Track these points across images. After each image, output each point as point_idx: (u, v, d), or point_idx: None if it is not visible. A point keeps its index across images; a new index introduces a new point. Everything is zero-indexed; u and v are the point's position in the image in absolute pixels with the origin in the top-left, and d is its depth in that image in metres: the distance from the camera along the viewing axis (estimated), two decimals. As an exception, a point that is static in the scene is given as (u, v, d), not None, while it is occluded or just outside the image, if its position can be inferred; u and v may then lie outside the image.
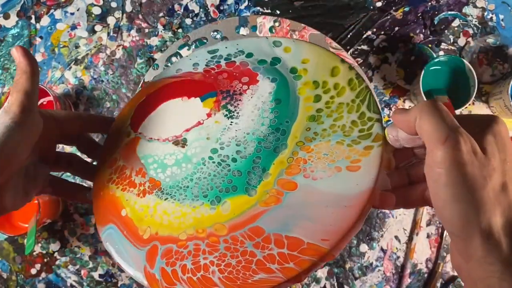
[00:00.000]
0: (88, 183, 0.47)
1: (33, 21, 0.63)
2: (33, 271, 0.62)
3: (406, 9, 0.63)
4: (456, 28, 0.63)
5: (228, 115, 0.43)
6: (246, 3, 0.63)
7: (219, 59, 0.47)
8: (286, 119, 0.41)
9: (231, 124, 0.43)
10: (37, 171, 0.38)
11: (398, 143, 0.32)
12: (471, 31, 0.63)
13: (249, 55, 0.46)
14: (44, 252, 0.62)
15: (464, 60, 0.57)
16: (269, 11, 0.63)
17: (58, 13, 0.63)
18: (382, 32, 0.63)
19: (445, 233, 0.61)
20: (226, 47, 0.47)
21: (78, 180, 0.63)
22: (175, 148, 0.44)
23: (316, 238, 0.35)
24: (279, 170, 0.39)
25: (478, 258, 0.23)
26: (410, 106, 0.63)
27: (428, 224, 0.62)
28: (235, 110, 0.43)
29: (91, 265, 0.62)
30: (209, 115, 0.44)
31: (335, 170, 0.37)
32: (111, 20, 0.63)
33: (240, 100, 0.44)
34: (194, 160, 0.43)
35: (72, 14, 0.63)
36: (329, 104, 0.40)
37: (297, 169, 0.39)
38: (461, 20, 0.63)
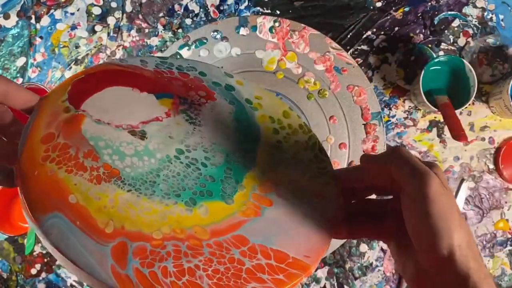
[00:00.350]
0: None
1: (33, 21, 0.63)
2: (33, 271, 0.62)
3: (406, 9, 0.63)
4: (456, 28, 0.63)
5: (190, 121, 0.41)
6: (246, 3, 0.63)
7: (170, 67, 0.43)
8: (251, 139, 0.41)
9: (194, 130, 0.41)
10: None
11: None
12: (471, 31, 0.63)
13: (202, 73, 0.43)
14: (44, 252, 0.62)
15: (464, 60, 0.57)
16: (269, 11, 0.63)
17: (58, 13, 0.63)
18: (382, 32, 0.63)
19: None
20: (176, 59, 0.45)
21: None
22: (132, 138, 0.40)
23: (300, 254, 0.36)
24: (251, 185, 0.39)
25: (449, 271, 0.28)
26: (410, 106, 0.63)
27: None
28: (196, 118, 0.41)
29: (91, 265, 0.62)
30: (168, 114, 0.41)
31: (304, 195, 0.39)
32: (111, 20, 0.63)
33: (200, 110, 0.41)
34: (158, 156, 0.39)
35: (72, 14, 0.63)
36: (287, 140, 0.41)
37: (269, 188, 0.39)
38: (461, 20, 0.63)
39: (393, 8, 0.63)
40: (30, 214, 0.34)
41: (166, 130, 0.40)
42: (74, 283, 0.62)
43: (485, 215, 0.62)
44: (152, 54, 0.63)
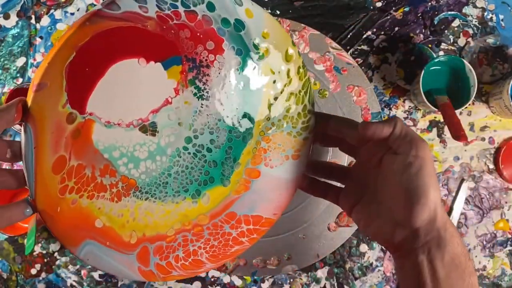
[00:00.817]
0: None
1: (33, 21, 0.63)
2: (33, 271, 0.62)
3: (406, 9, 0.63)
4: (456, 28, 0.63)
5: (198, 95, 0.41)
6: (246, 3, 0.63)
7: (175, 2, 0.38)
8: (252, 105, 0.42)
9: (201, 107, 0.41)
10: None
11: (325, 129, 0.42)
12: (471, 31, 0.63)
13: (211, 6, 0.39)
14: (44, 252, 0.62)
15: (464, 60, 0.57)
16: (269, 11, 0.63)
17: (58, 13, 0.63)
18: (382, 32, 0.63)
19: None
20: None
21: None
22: (144, 136, 0.39)
23: (270, 213, 0.44)
24: (246, 160, 0.43)
25: (424, 223, 0.33)
26: (410, 106, 0.63)
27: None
28: (204, 89, 0.41)
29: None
30: (177, 91, 0.40)
31: (284, 158, 0.44)
32: (111, 20, 0.63)
33: (208, 75, 0.40)
34: (168, 152, 0.40)
35: (72, 14, 0.63)
36: (283, 93, 0.43)
37: (259, 159, 0.43)
38: (461, 20, 0.63)
39: (393, 8, 0.63)
40: (67, 247, 0.38)
41: (176, 115, 0.40)
42: (74, 283, 0.62)
43: (485, 215, 0.62)
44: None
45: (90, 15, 0.35)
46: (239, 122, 0.42)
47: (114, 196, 0.39)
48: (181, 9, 0.38)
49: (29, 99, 0.34)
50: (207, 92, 0.41)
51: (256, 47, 0.41)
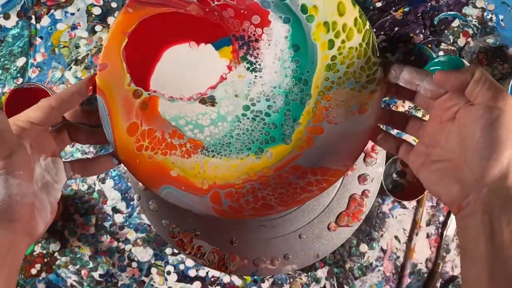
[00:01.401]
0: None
1: (33, 21, 0.64)
2: (33, 271, 0.62)
3: (406, 9, 0.63)
4: (455, 28, 0.63)
5: (250, 68, 0.44)
6: (246, 3, 0.63)
7: None
8: (307, 69, 0.43)
9: (255, 78, 0.44)
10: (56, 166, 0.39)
11: (396, 80, 0.39)
12: (470, 31, 0.63)
13: None
14: (44, 252, 0.62)
15: (464, 60, 0.57)
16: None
17: (58, 13, 0.63)
18: (382, 32, 0.63)
19: (445, 233, 0.62)
20: None
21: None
22: (205, 107, 0.45)
23: (338, 165, 0.45)
24: (307, 120, 0.45)
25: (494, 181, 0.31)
26: (410, 106, 0.63)
27: (428, 224, 0.62)
28: (256, 62, 0.43)
29: (91, 265, 0.62)
30: (229, 68, 0.43)
31: (350, 114, 0.44)
32: (111, 20, 0.63)
33: (258, 48, 0.43)
34: (229, 119, 0.45)
35: (72, 14, 0.63)
36: (341, 50, 0.42)
37: (321, 117, 0.45)
38: (460, 20, 0.63)
39: (393, 8, 0.63)
40: (149, 188, 0.45)
41: (231, 88, 0.44)
42: (74, 283, 0.62)
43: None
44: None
45: (130, 1, 0.40)
46: (295, 86, 0.44)
47: (184, 153, 0.46)
48: None
49: (96, 77, 0.41)
50: (259, 64, 0.43)
51: (304, 10, 0.41)
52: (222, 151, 0.46)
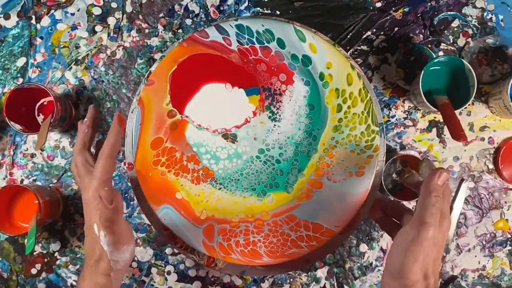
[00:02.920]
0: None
1: (33, 21, 0.64)
2: (34, 271, 0.63)
3: (406, 9, 0.63)
4: (455, 29, 0.63)
5: (272, 117, 0.51)
6: (246, 3, 0.63)
7: (251, 37, 0.50)
8: (318, 126, 0.50)
9: (274, 127, 0.51)
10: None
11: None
12: (470, 32, 0.63)
13: (281, 44, 0.50)
14: (44, 252, 0.63)
15: (464, 61, 0.57)
16: (269, 11, 0.63)
17: (58, 14, 0.64)
18: (382, 33, 0.63)
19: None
20: (250, 19, 0.50)
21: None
22: (226, 142, 0.50)
23: (331, 224, 0.48)
24: (310, 172, 0.50)
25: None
26: (409, 106, 0.63)
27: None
28: (277, 113, 0.51)
29: (91, 265, 0.62)
30: (254, 113, 0.51)
31: (348, 175, 0.49)
32: (111, 21, 0.63)
33: (280, 101, 0.51)
34: (244, 157, 0.50)
35: (72, 14, 0.63)
36: (347, 114, 0.50)
37: (322, 172, 0.49)
38: (460, 21, 0.63)
39: (393, 9, 0.63)
40: (149, 204, 0.48)
41: (252, 131, 0.50)
42: (74, 283, 0.62)
43: (484, 215, 0.62)
44: (152, 55, 0.63)
45: (186, 38, 0.50)
46: (305, 140, 0.50)
47: (194, 179, 0.50)
48: (257, 45, 0.50)
49: (142, 90, 0.49)
50: (280, 115, 0.51)
51: (321, 77, 0.50)
52: (229, 186, 0.50)
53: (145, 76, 0.51)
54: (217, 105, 0.50)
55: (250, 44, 0.50)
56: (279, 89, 0.50)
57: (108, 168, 0.43)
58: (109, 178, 0.43)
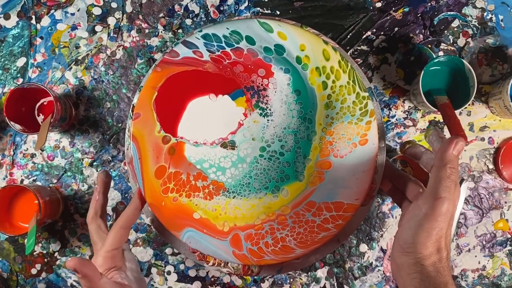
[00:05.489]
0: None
1: (33, 21, 0.64)
2: (34, 271, 0.63)
3: (406, 9, 0.63)
4: (455, 29, 0.63)
5: (263, 114, 0.50)
6: (246, 3, 0.63)
7: (220, 44, 0.49)
8: (310, 109, 0.50)
9: (268, 122, 0.50)
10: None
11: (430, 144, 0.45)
12: (470, 32, 0.63)
13: (251, 41, 0.49)
14: (44, 252, 0.63)
15: (464, 61, 0.57)
16: (269, 11, 0.63)
17: (58, 14, 0.64)
18: (382, 33, 0.63)
19: (445, 233, 0.62)
20: (214, 26, 0.49)
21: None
22: (226, 151, 0.50)
23: (351, 199, 0.48)
24: (315, 154, 0.49)
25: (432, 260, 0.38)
26: (409, 106, 0.63)
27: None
28: (267, 107, 0.50)
29: (91, 265, 0.62)
30: (245, 114, 0.50)
31: (352, 146, 0.48)
32: (111, 21, 0.63)
33: (267, 96, 0.50)
34: (248, 160, 0.50)
35: (72, 14, 0.63)
36: (334, 89, 0.49)
37: (327, 151, 0.49)
38: (460, 21, 0.63)
39: (393, 9, 0.63)
40: (171, 232, 0.48)
41: (248, 133, 0.50)
42: (74, 283, 0.62)
43: (484, 215, 0.62)
44: (152, 55, 0.63)
45: (159, 62, 0.49)
46: (301, 125, 0.50)
47: (207, 195, 0.49)
48: (227, 49, 0.49)
49: (131, 125, 0.48)
50: (270, 109, 0.50)
51: (298, 61, 0.49)
52: (242, 191, 0.50)
53: (129, 111, 0.51)
54: (207, 118, 0.50)
55: (221, 50, 0.49)
56: (262, 85, 0.50)
57: (119, 239, 0.45)
58: (119, 247, 0.45)
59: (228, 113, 0.50)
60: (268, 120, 0.50)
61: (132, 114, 0.49)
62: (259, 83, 0.50)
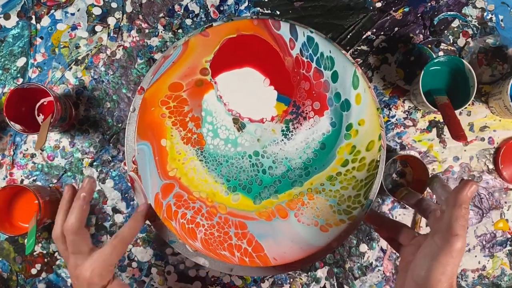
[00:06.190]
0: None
1: (33, 21, 0.64)
2: (34, 271, 0.63)
3: (406, 9, 0.63)
4: (455, 29, 0.63)
5: (284, 132, 0.51)
6: (246, 3, 0.63)
7: (313, 55, 0.50)
8: (316, 166, 0.50)
9: (281, 141, 0.51)
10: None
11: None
12: (470, 32, 0.63)
13: (335, 77, 0.50)
14: (44, 252, 0.63)
15: (464, 61, 0.57)
16: (269, 11, 0.63)
17: (58, 14, 0.64)
18: (382, 33, 0.63)
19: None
20: (322, 39, 0.50)
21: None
22: (233, 126, 0.51)
23: (271, 254, 0.48)
24: (284, 199, 0.50)
25: None
26: (409, 106, 0.63)
27: (427, 225, 0.62)
28: (291, 132, 0.51)
29: (91, 265, 0.62)
30: (272, 119, 0.51)
31: (314, 223, 0.49)
32: (111, 21, 0.63)
33: (301, 124, 0.51)
34: (238, 149, 0.50)
35: (72, 14, 0.63)
36: (347, 173, 0.49)
37: (294, 206, 0.49)
38: (460, 21, 0.63)
39: (393, 9, 0.63)
40: (136, 133, 0.49)
41: (261, 132, 0.51)
42: (74, 283, 0.62)
43: (484, 215, 0.62)
44: (152, 55, 0.63)
45: (258, 18, 0.50)
46: (298, 169, 0.50)
47: (185, 138, 0.50)
48: (313, 64, 0.50)
49: (195, 35, 0.50)
50: (292, 135, 0.51)
51: (348, 128, 0.50)
52: (210, 164, 0.50)
53: (204, 26, 0.52)
54: (246, 91, 0.50)
55: (308, 60, 0.50)
56: (307, 114, 0.51)
57: (120, 252, 0.47)
58: (114, 264, 0.47)
59: (264, 103, 0.51)
60: (283, 140, 0.51)
61: (204, 29, 0.50)
62: (306, 110, 0.51)
